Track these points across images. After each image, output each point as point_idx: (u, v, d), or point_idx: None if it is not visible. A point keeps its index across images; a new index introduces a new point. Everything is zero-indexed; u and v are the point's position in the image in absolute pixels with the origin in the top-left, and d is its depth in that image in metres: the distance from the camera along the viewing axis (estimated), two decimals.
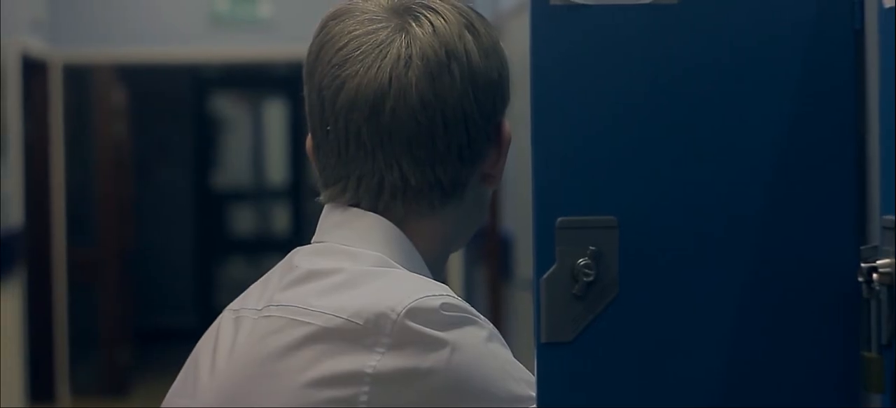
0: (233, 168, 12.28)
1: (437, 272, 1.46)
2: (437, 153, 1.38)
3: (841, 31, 1.85)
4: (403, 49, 1.36)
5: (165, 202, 11.82)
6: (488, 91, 1.42)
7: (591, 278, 1.87)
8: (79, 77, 8.53)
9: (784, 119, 1.86)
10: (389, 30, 1.36)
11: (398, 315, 1.29)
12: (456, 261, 8.38)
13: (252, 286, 1.47)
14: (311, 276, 1.36)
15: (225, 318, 1.45)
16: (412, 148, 1.36)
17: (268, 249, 11.10)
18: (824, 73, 1.86)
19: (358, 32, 1.37)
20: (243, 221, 12.41)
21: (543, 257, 1.88)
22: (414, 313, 1.30)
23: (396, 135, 1.36)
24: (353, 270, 1.35)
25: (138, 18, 8.21)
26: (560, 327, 1.87)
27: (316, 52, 1.39)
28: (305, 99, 1.42)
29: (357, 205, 1.40)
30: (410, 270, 1.39)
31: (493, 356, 1.32)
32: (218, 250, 11.92)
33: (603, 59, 1.87)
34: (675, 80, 1.87)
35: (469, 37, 1.39)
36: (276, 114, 11.94)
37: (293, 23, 8.36)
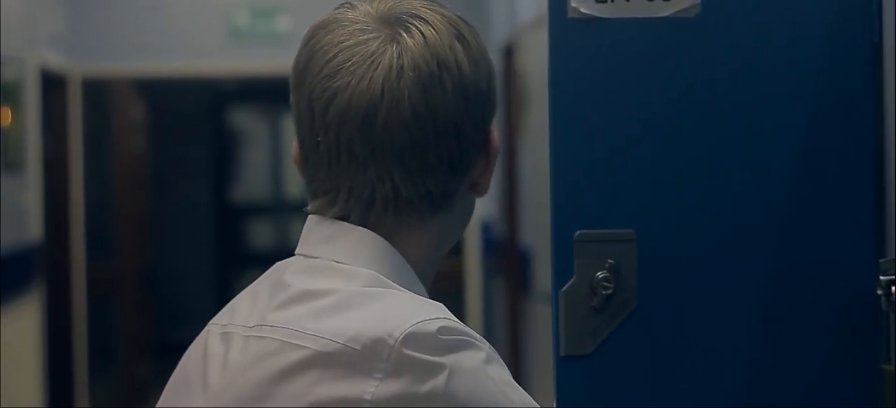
0: (251, 182, 12.30)
1: (427, 282, 1.45)
2: (429, 165, 1.36)
3: (859, 44, 1.85)
4: (395, 60, 1.34)
5: (184, 216, 11.85)
6: (478, 102, 1.40)
7: (609, 291, 1.87)
8: (98, 92, 8.56)
9: (802, 131, 1.86)
10: (380, 40, 1.35)
11: (396, 341, 1.28)
12: (474, 274, 8.38)
13: (238, 299, 1.45)
14: (305, 296, 1.35)
15: (212, 333, 1.43)
16: (404, 159, 1.35)
17: None
18: (842, 85, 1.86)
19: (349, 43, 1.35)
20: (262, 234, 12.43)
21: (562, 271, 1.88)
22: (411, 338, 1.28)
23: (388, 146, 1.34)
24: (346, 291, 1.33)
25: (157, 33, 8.24)
26: (579, 340, 1.87)
27: (305, 62, 1.38)
28: (293, 109, 1.41)
29: (346, 217, 1.39)
30: (403, 286, 1.37)
31: (491, 380, 1.31)
32: (237, 264, 11.94)
33: (621, 71, 1.87)
34: (692, 92, 1.86)
35: (459, 47, 1.38)
36: (294, 128, 11.91)
37: None
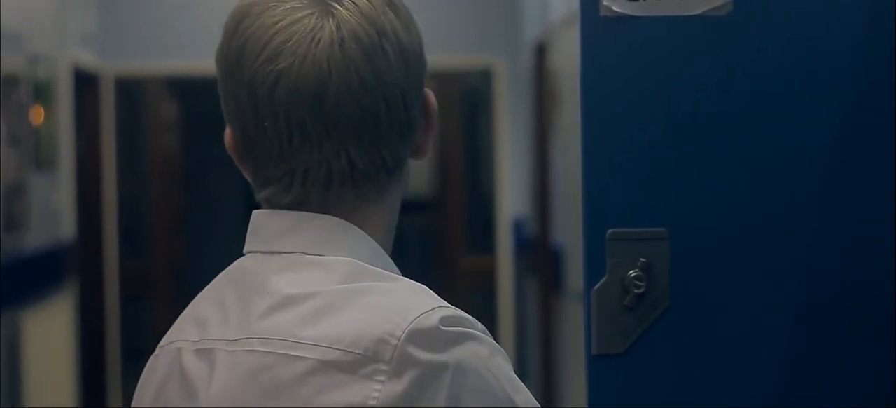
0: None
1: (389, 254, 1.41)
2: (382, 134, 1.34)
3: (892, 43, 1.85)
4: (335, 32, 1.31)
5: (217, 214, 11.90)
6: (417, 64, 1.37)
7: (641, 290, 1.87)
8: (130, 90, 8.60)
9: (834, 128, 1.85)
10: (315, 16, 1.32)
11: (398, 340, 1.25)
12: (506, 273, 8.38)
13: (200, 311, 1.39)
14: (289, 301, 1.31)
15: (184, 351, 1.37)
16: (358, 132, 1.32)
17: None
18: (874, 83, 1.86)
19: (283, 23, 1.32)
20: None
21: (594, 269, 1.89)
22: (414, 336, 1.25)
23: (342, 121, 1.31)
24: (332, 290, 1.30)
25: (188, 32, 8.27)
26: (611, 339, 1.87)
27: (238, 50, 1.33)
28: (226, 98, 1.37)
29: (303, 203, 1.35)
30: (379, 267, 1.35)
31: (495, 377, 1.29)
32: None
33: (653, 69, 1.87)
34: (724, 91, 1.86)
35: (391, 13, 1.35)
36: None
37: None
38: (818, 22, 1.85)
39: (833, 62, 1.85)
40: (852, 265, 1.86)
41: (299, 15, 1.32)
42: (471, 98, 9.14)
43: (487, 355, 1.28)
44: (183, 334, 1.39)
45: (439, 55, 8.52)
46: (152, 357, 1.43)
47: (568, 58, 5.50)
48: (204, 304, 1.39)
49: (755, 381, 1.88)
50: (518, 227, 8.10)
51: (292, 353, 1.27)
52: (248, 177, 1.41)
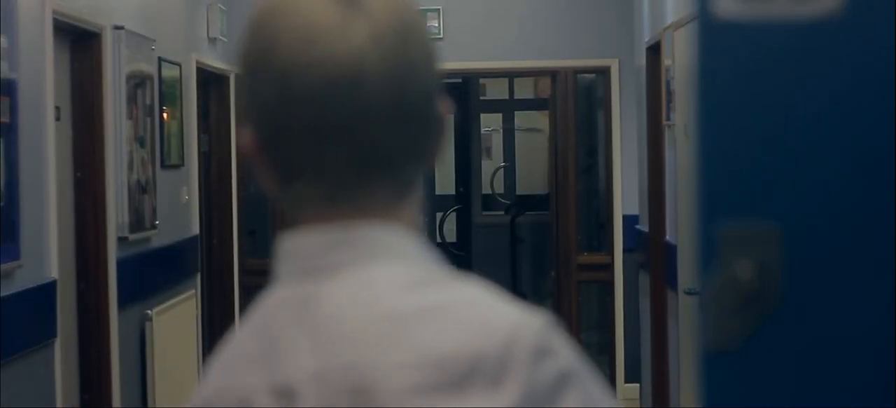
0: None
1: None
2: (413, 127, 1.31)
3: None
4: (368, 27, 1.29)
5: None
6: (437, 66, 1.35)
7: (755, 287, 1.88)
8: None
9: None
10: (343, 11, 1.29)
11: (526, 350, 1.23)
12: (619, 269, 8.38)
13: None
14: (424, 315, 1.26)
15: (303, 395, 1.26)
16: (391, 123, 1.29)
17: None
18: None
19: (313, 19, 1.29)
20: None
21: (707, 266, 1.90)
22: (540, 354, 1.24)
23: (375, 110, 1.28)
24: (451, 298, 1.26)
25: None
26: (725, 336, 1.88)
27: (265, 45, 1.30)
28: (251, 99, 1.32)
29: (335, 194, 1.30)
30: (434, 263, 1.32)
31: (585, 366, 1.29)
32: None
33: (767, 70, 1.89)
34: (839, 91, 1.87)
35: (415, 11, 1.34)
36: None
37: (460, 38, 8.49)
38: None
39: None
40: None
41: (328, 11, 1.29)
42: (586, 97, 9.15)
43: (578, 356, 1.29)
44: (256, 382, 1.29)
45: (557, 59, 8.55)
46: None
47: (680, 58, 5.51)
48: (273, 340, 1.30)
49: (869, 379, 1.85)
50: (631, 222, 8.09)
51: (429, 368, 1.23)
52: (267, 177, 1.34)
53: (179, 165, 6.93)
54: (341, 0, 1.30)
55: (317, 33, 1.29)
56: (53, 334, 4.94)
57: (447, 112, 1.37)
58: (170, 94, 6.71)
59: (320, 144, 1.29)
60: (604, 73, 8.59)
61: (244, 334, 1.33)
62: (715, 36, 1.87)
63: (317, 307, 1.28)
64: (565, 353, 1.25)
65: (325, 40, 1.28)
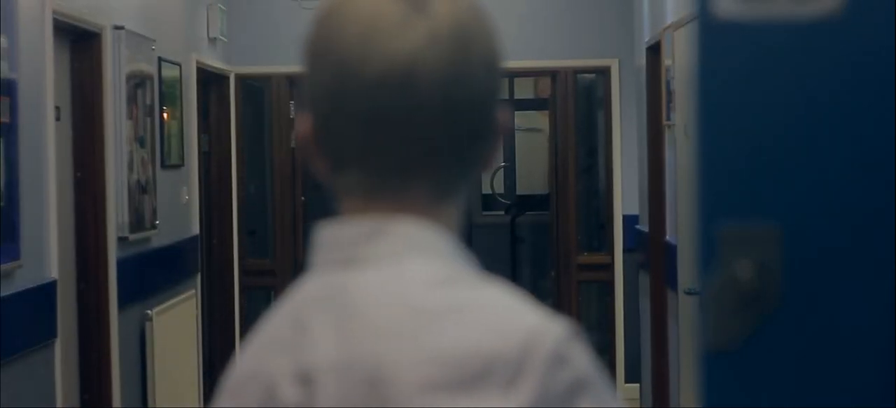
0: None
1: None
2: (463, 129, 1.32)
3: None
4: (427, 27, 1.30)
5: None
6: (498, 73, 1.36)
7: (755, 287, 1.89)
8: (254, 89, 8.74)
9: None
10: (406, 9, 1.31)
11: (542, 356, 1.23)
12: (619, 268, 8.39)
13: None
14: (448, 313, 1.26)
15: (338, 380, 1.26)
16: (441, 123, 1.30)
17: None
18: None
19: (375, 12, 1.31)
20: None
21: (707, 266, 1.90)
22: (552, 359, 1.24)
23: (426, 109, 1.30)
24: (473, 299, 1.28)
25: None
26: (725, 336, 1.88)
27: (326, 35, 1.32)
28: (312, 88, 1.34)
29: (379, 189, 1.31)
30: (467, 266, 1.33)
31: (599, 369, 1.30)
32: None
33: (768, 71, 1.89)
34: (839, 91, 1.88)
35: (480, 17, 1.35)
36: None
37: None
38: None
39: None
40: None
41: (391, 8, 1.31)
42: (586, 97, 9.16)
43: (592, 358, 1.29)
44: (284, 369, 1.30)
45: (557, 59, 8.56)
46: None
47: (680, 58, 5.51)
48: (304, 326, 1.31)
49: (869, 379, 1.86)
50: (631, 222, 8.10)
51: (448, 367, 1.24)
52: (319, 165, 1.36)
53: (179, 165, 6.93)
54: (408, 0, 1.32)
55: (377, 29, 1.31)
56: (53, 334, 4.94)
57: (505, 123, 1.38)
58: (170, 94, 6.72)
59: (367, 136, 1.31)
60: (604, 73, 8.60)
61: (277, 318, 1.34)
62: (715, 36, 1.87)
63: (346, 297, 1.29)
64: (582, 361, 1.26)
65: (384, 37, 1.30)
